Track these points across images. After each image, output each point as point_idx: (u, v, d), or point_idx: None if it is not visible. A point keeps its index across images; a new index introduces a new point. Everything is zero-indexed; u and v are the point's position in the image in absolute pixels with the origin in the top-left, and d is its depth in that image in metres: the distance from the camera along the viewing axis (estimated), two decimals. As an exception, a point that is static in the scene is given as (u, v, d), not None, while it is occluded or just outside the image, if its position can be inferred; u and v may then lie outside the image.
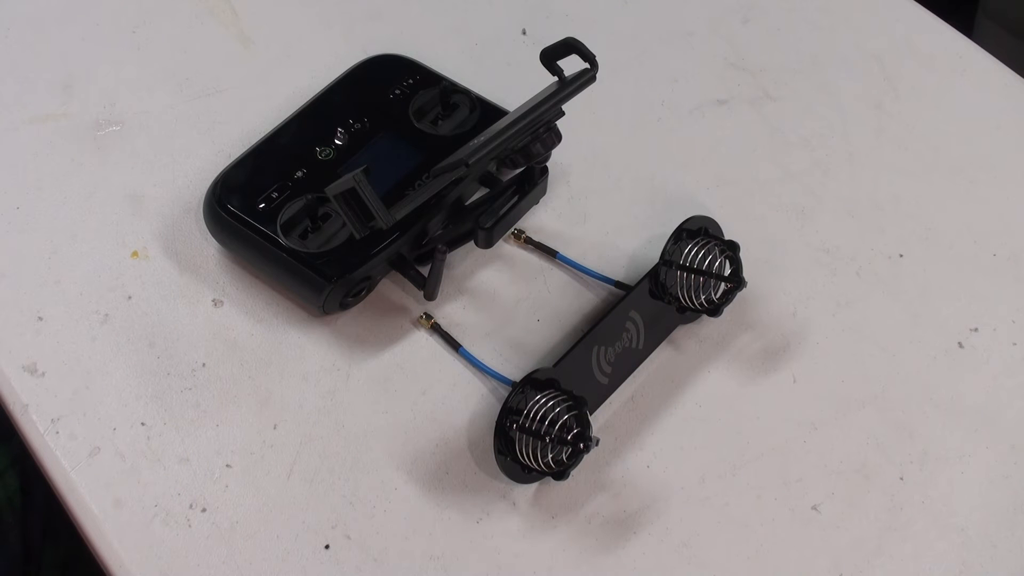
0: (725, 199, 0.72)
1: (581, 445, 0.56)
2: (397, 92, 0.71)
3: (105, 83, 0.76)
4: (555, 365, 0.60)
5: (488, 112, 0.70)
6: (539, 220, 0.71)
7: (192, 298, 0.66)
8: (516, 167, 0.61)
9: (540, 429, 0.56)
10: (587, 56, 0.60)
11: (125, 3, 0.80)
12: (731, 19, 0.83)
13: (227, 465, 0.60)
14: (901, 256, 0.71)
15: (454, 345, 0.64)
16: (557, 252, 0.68)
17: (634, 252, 0.70)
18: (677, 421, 0.63)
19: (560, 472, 0.57)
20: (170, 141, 0.73)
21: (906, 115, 0.78)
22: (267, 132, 0.69)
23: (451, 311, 0.66)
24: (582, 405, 0.57)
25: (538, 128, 0.60)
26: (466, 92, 0.71)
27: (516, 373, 0.63)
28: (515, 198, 0.65)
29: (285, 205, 0.64)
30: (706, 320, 0.67)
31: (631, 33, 0.81)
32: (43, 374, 0.62)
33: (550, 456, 0.57)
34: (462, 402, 0.63)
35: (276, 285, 0.66)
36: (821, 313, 0.68)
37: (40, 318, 0.65)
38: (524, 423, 0.57)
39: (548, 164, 0.67)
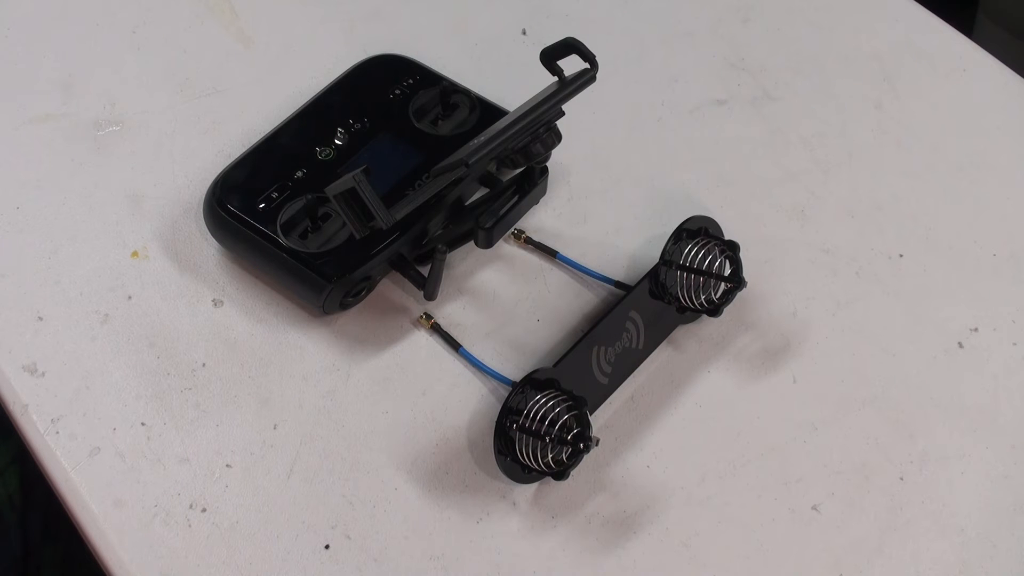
0: (725, 199, 0.72)
1: (581, 445, 0.56)
2: (397, 92, 0.71)
3: (105, 83, 0.76)
4: (555, 365, 0.60)
5: (488, 112, 0.70)
6: (539, 220, 0.71)
7: (192, 298, 0.66)
8: (516, 167, 0.61)
9: (540, 429, 0.56)
10: (587, 56, 0.60)
11: (125, 3, 0.80)
12: (731, 19, 0.83)
13: (227, 465, 0.60)
14: (901, 256, 0.71)
15: (454, 345, 0.64)
16: (557, 252, 0.68)
17: (634, 252, 0.70)
18: (677, 421, 0.63)
19: (560, 472, 0.57)
20: (170, 141, 0.73)
21: (906, 115, 0.78)
22: (267, 132, 0.69)
23: (451, 311, 0.66)
24: (582, 405, 0.57)
25: (538, 128, 0.60)
26: (466, 92, 0.71)
27: (516, 373, 0.63)
28: (515, 198, 0.65)
29: (285, 205, 0.64)
30: (706, 320, 0.67)
31: (631, 33, 0.81)
32: (43, 374, 0.62)
33: (550, 456, 0.57)
34: (462, 402, 0.63)
35: (276, 285, 0.66)
36: (821, 313, 0.68)
37: (40, 318, 0.65)
38: (524, 423, 0.57)
39: (548, 164, 0.67)
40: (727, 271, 0.64)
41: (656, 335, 0.65)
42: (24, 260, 0.67)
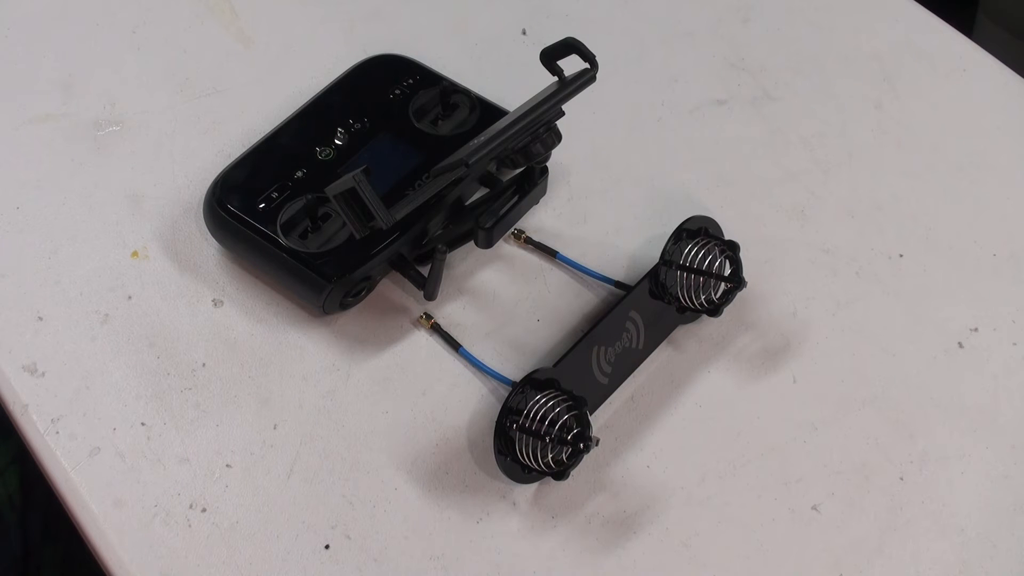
0: (725, 199, 0.72)
1: (581, 445, 0.56)
2: (397, 92, 0.71)
3: (105, 83, 0.76)
4: (555, 365, 0.60)
5: (488, 112, 0.70)
6: (539, 220, 0.71)
7: (192, 298, 0.66)
8: (516, 167, 0.61)
9: (540, 429, 0.56)
10: (587, 56, 0.60)
11: (125, 3, 0.80)
12: (731, 19, 0.83)
13: (227, 465, 0.60)
14: (901, 256, 0.71)
15: (454, 345, 0.64)
16: (557, 252, 0.68)
17: (634, 252, 0.70)
18: (677, 421, 0.63)
19: (560, 472, 0.57)
20: (170, 141, 0.73)
21: (906, 115, 0.78)
22: (267, 132, 0.69)
23: (451, 311, 0.66)
24: (582, 405, 0.57)
25: (538, 128, 0.60)
26: (466, 92, 0.71)
27: (516, 373, 0.63)
28: (515, 198, 0.65)
29: (285, 205, 0.64)
30: (706, 320, 0.67)
31: (631, 33, 0.81)
32: (43, 374, 0.62)
33: (550, 456, 0.57)
34: (462, 402, 0.63)
35: (276, 285, 0.66)
36: (821, 313, 0.68)
37: (40, 318, 0.65)
38: (524, 423, 0.57)
39: (548, 164, 0.67)
40: (727, 271, 0.64)
41: (656, 335, 0.65)
42: (24, 260, 0.67)
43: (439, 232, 0.66)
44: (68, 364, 0.63)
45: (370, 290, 0.66)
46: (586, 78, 0.61)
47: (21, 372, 0.62)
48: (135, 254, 0.68)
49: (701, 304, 0.64)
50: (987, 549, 0.60)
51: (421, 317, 0.66)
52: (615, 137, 0.76)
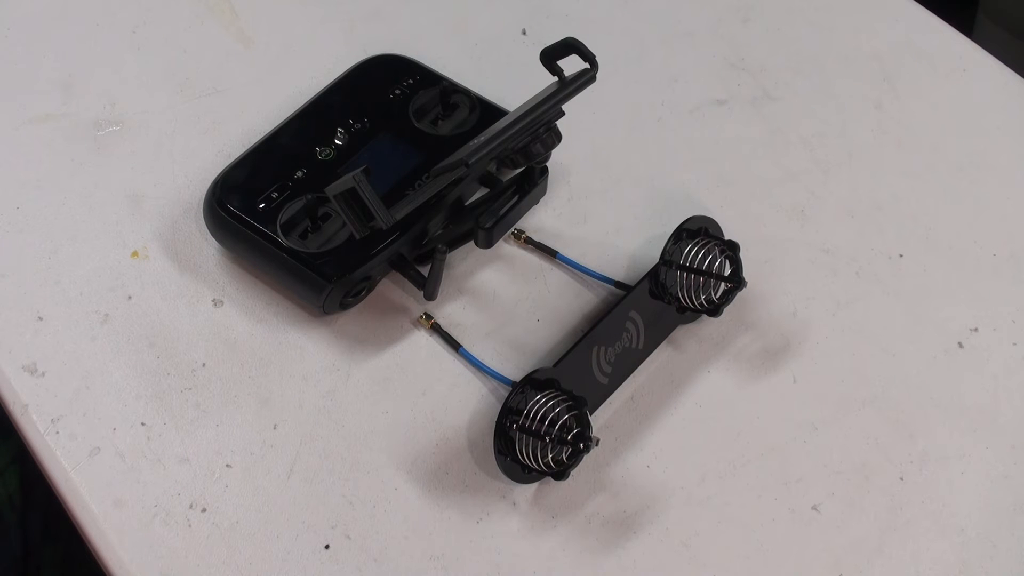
0: (725, 199, 0.72)
1: (581, 445, 0.56)
2: (397, 92, 0.71)
3: (105, 83, 0.76)
4: (555, 365, 0.60)
5: (488, 112, 0.70)
6: (539, 220, 0.71)
7: (192, 298, 0.66)
8: (516, 167, 0.61)
9: (540, 429, 0.56)
10: (587, 56, 0.60)
11: (125, 3, 0.80)
12: (731, 19, 0.83)
13: (227, 465, 0.60)
14: (901, 256, 0.71)
15: (454, 345, 0.64)
16: (557, 252, 0.68)
17: (634, 252, 0.70)
18: (677, 421, 0.63)
19: (560, 472, 0.57)
20: (170, 141, 0.73)
21: (906, 115, 0.78)
22: (267, 132, 0.69)
23: (451, 311, 0.66)
24: (582, 405, 0.57)
25: (538, 128, 0.60)
26: (466, 92, 0.71)
27: (516, 373, 0.63)
28: (515, 198, 0.65)
29: (285, 205, 0.64)
30: (706, 320, 0.67)
31: (631, 33, 0.81)
32: (43, 374, 0.62)
33: (550, 456, 0.57)
34: (462, 402, 0.63)
35: (276, 285, 0.66)
36: (821, 313, 0.68)
37: (40, 318, 0.65)
38: (524, 423, 0.57)
39: (548, 164, 0.67)
40: (727, 271, 0.64)
41: (656, 335, 0.65)
42: (24, 260, 0.67)
43: (439, 232, 0.66)
44: (68, 364, 0.63)
45: (370, 290, 0.66)
46: (586, 78, 0.61)
47: (21, 372, 0.62)
48: (135, 254, 0.68)
49: (701, 304, 0.64)
50: (987, 549, 0.60)
51: (421, 317, 0.66)
52: (615, 137, 0.76)
